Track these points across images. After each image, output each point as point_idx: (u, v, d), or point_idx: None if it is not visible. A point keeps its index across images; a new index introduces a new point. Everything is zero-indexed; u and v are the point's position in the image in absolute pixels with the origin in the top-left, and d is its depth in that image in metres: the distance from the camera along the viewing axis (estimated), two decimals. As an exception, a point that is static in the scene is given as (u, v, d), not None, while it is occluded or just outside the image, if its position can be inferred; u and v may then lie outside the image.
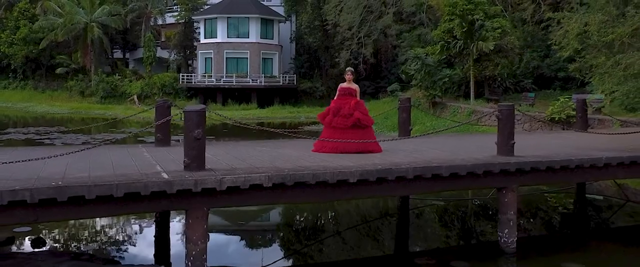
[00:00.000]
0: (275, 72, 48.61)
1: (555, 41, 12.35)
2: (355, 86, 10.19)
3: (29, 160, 7.46)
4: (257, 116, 40.86)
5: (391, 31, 37.07)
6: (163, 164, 8.18)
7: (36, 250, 9.37)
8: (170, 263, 9.44)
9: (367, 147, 9.60)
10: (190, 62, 52.43)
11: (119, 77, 51.45)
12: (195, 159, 7.53)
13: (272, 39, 49.24)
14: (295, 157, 9.11)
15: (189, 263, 7.45)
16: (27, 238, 9.96)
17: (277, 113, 42.28)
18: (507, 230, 9.18)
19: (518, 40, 31.26)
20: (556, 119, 20.84)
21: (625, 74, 10.32)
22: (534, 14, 29.26)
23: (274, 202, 8.73)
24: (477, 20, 27.71)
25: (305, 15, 49.01)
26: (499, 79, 31.84)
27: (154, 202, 7.16)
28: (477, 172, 8.67)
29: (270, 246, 10.84)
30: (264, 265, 9.24)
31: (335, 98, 10.14)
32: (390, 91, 40.88)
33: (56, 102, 49.76)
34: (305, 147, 10.42)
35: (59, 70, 53.19)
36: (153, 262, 9.28)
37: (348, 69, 10.31)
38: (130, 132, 29.92)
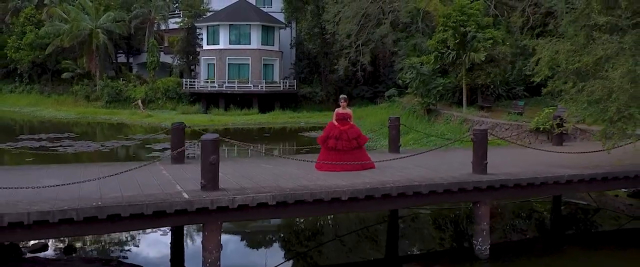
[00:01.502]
0: (276, 78, 49.95)
1: (530, 67, 13.65)
2: (349, 111, 11.54)
3: (73, 183, 8.76)
4: (258, 121, 42.11)
5: (388, 40, 38.36)
6: (181, 183, 9.51)
7: (67, 257, 10.71)
8: (184, 265, 10.82)
9: (365, 166, 11.01)
10: (193, 67, 53.74)
11: (124, 82, 52.78)
12: (210, 181, 8.87)
13: (273, 45, 50.58)
14: (296, 175, 10.43)
15: (205, 268, 8.78)
16: (59, 245, 11.28)
17: (278, 118, 43.52)
18: (481, 238, 10.53)
19: (510, 48, 32.44)
20: (541, 129, 22.14)
21: (588, 99, 11.63)
22: (523, 26, 30.47)
23: (278, 217, 10.08)
24: (469, 32, 28.97)
25: (304, 23, 50.30)
26: (492, 86, 33.05)
27: (176, 218, 8.50)
28: (453, 189, 10.01)
29: (273, 248, 12.21)
30: (267, 263, 10.62)
31: (332, 122, 11.44)
32: (388, 96, 42.08)
33: (62, 106, 51.03)
34: (304, 164, 11.69)
35: (64, 75, 54.52)
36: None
37: (342, 96, 11.72)
38: (139, 139, 31.19)
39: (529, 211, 15.01)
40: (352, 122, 11.42)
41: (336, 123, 11.32)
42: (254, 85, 47.68)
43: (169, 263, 10.96)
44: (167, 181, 9.68)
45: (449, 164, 11.86)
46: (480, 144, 10.70)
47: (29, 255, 10.57)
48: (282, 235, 12.89)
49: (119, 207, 7.94)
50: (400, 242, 12.65)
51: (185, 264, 10.97)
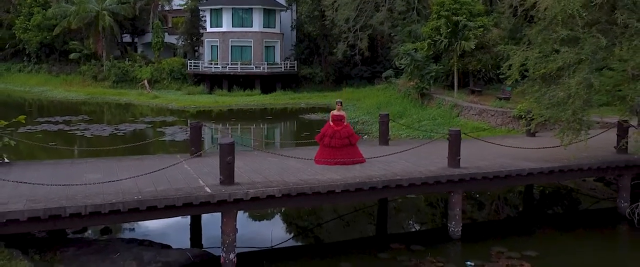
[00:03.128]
0: (277, 59, 51.68)
1: (502, 71, 15.45)
2: (343, 112, 13.40)
3: (115, 180, 10.68)
4: (260, 102, 43.92)
5: (384, 27, 39.97)
6: (203, 178, 11.42)
7: (105, 237, 12.67)
8: (202, 245, 12.79)
9: (356, 161, 12.91)
10: (196, 48, 55.35)
11: (130, 62, 54.46)
12: (227, 177, 10.80)
13: (274, 28, 52.20)
14: (298, 169, 12.33)
15: (224, 248, 10.72)
16: (96, 228, 13.22)
17: (279, 99, 45.33)
18: (454, 222, 12.51)
19: (503, 30, 34.03)
20: (523, 116, 23.99)
21: (550, 102, 13.45)
22: (514, 13, 32.12)
23: (284, 207, 12.05)
24: (460, 21, 30.62)
25: (305, 6, 51.78)
26: (483, 70, 34.76)
27: (200, 208, 10.45)
28: (430, 182, 11.96)
29: (280, 228, 14.24)
30: (273, 245, 12.61)
31: (329, 122, 13.31)
32: (385, 77, 43.81)
33: (71, 86, 52.84)
34: (305, 155, 13.53)
35: (72, 56, 56.18)
36: (189, 246, 12.59)
37: (337, 100, 13.60)
38: (149, 122, 33.07)
39: (504, 195, 16.97)
40: (345, 123, 13.28)
41: (332, 123, 13.19)
42: (256, 67, 49.45)
43: (189, 242, 12.95)
44: (191, 176, 11.59)
45: (429, 158, 13.70)
46: (454, 142, 12.58)
47: (71, 235, 12.53)
48: (288, 216, 14.87)
49: (156, 200, 9.88)
50: (388, 222, 14.66)
51: (202, 243, 12.96)
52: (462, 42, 30.49)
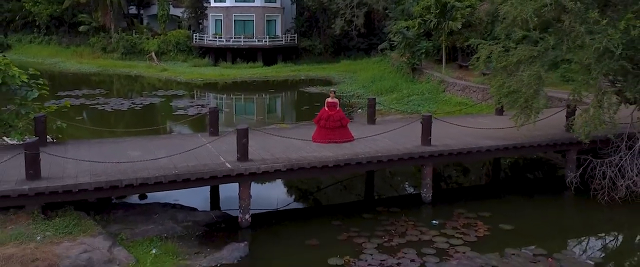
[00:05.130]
0: (278, 33, 54.20)
1: (471, 63, 18.19)
2: (336, 100, 16.18)
3: (153, 159, 13.57)
4: (263, 75, 46.61)
5: (379, 6, 42.40)
6: (223, 155, 14.26)
7: (144, 201, 15.58)
8: (220, 207, 15.70)
9: (346, 140, 15.78)
10: (201, 21, 57.68)
11: (137, 35, 56.91)
12: (243, 155, 13.67)
13: (275, 2, 54.62)
14: (298, 147, 15.17)
15: (241, 210, 13.65)
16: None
17: (281, 72, 47.99)
18: (425, 189, 15.45)
19: (492, 5, 36.39)
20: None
21: (507, 90, 16.20)
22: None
23: (288, 179, 15.00)
24: (449, 2, 33.13)
25: (304, -20, 54.12)
26: (471, 46, 37.31)
27: (222, 179, 13.36)
28: (405, 158, 14.85)
29: (286, 193, 17.15)
30: (279, 207, 15.57)
31: (324, 108, 16.10)
32: (381, 49, 46.40)
33: (83, 58, 55.46)
34: (305, 135, 16.30)
35: (81, 28, 58.64)
36: (209, 209, 15.52)
37: (331, 89, 16.42)
38: (162, 95, 35.89)
39: (475, 165, 19.88)
40: (338, 108, 16.08)
41: (327, 109, 16.01)
42: (258, 40, 52.04)
43: (210, 205, 15.88)
44: (213, 153, 14.44)
45: (408, 137, 16.45)
46: (426, 125, 15.40)
47: (115, 201, 15.46)
48: (291, 184, 17.77)
49: (189, 174, 12.80)
50: (374, 189, 17.60)
51: (220, 206, 15.89)
52: (450, 22, 33.06)
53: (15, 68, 14.88)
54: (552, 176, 19.27)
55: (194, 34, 54.43)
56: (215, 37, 52.66)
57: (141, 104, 32.16)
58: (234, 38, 52.10)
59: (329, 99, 16.13)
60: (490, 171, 19.67)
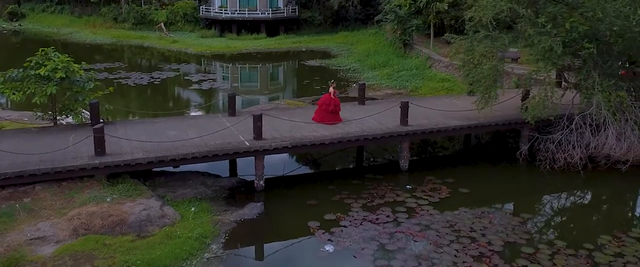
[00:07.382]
0: (280, 5, 57.32)
1: (448, 54, 21.85)
2: (335, 90, 19.87)
3: (187, 139, 17.38)
4: (266, 46, 49.98)
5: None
6: (242, 134, 18.05)
7: (177, 170, 19.42)
8: (237, 174, 19.53)
9: (337, 122, 19.54)
10: (206, -8, 60.73)
11: (146, 6, 59.99)
12: (258, 135, 17.47)
13: (277, -26, 57.66)
14: (301, 127, 18.94)
15: (257, 177, 17.52)
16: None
17: (283, 43, 51.31)
18: (402, 160, 19.33)
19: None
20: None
21: (471, 79, 19.92)
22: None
23: (294, 153, 18.87)
24: (437, -16, 36.50)
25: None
26: (459, 21, 40.69)
27: (242, 154, 17.20)
28: (386, 136, 18.67)
29: (290, 164, 20.99)
30: (286, 173, 19.45)
31: (326, 94, 19.79)
32: (377, 21, 49.63)
33: (96, 28, 58.67)
34: (306, 116, 20.06)
35: (93, -1, 61.75)
36: (229, 176, 19.38)
37: (331, 81, 20.16)
38: (176, 69, 39.56)
39: (449, 138, 23.69)
40: (335, 97, 19.79)
41: (332, 96, 19.68)
42: (261, 13, 55.25)
43: (229, 173, 19.71)
44: (233, 133, 18.23)
45: (391, 117, 20.13)
46: (404, 109, 19.15)
47: (154, 169, 19.30)
48: (297, 156, 21.61)
49: (219, 150, 16.63)
50: (363, 160, 21.45)
51: (237, 173, 19.72)
52: (437, 3, 36.43)
53: (75, 65, 18.57)
54: (511, 149, 23.11)
55: (201, 6, 57.51)
56: (221, 10, 55.80)
57: (159, 78, 35.81)
58: (239, 10, 55.28)
59: (331, 89, 19.82)
60: (462, 144, 23.50)
